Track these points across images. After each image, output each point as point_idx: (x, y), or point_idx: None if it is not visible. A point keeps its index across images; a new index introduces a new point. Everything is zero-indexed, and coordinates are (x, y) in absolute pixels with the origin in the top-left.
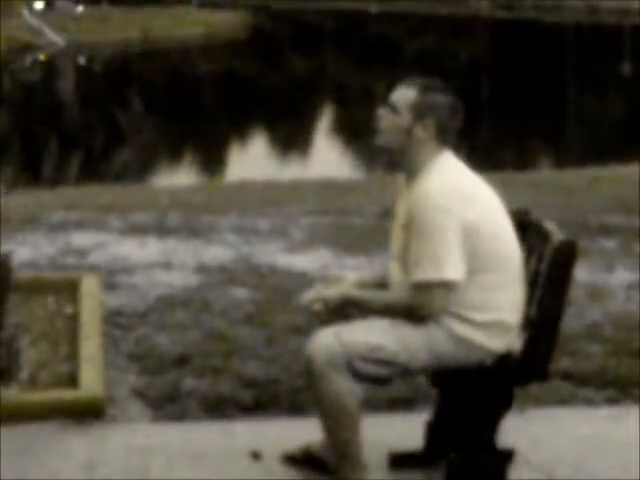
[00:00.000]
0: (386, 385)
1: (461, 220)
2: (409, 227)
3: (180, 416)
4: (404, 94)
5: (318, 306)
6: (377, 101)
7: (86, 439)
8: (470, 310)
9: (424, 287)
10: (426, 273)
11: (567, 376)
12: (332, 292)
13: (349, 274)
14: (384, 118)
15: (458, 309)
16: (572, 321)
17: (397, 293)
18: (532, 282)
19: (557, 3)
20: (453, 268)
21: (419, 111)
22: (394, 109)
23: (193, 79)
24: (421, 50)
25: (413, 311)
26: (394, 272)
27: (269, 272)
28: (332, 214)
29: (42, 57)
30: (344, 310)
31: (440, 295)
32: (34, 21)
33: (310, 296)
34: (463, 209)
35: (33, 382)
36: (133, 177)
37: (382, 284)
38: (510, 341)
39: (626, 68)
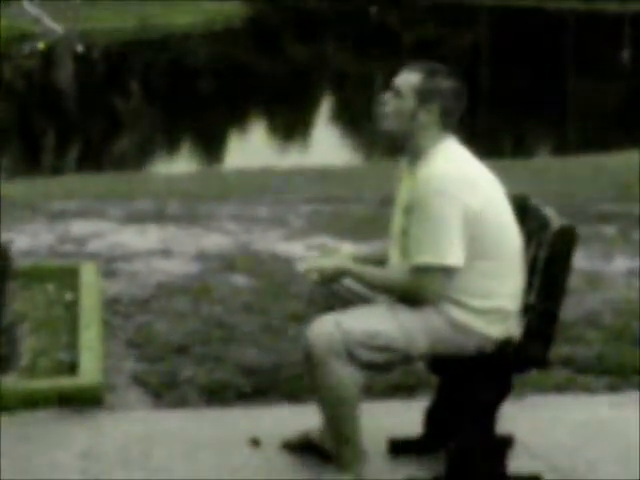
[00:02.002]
0: (386, 372)
1: (463, 206)
2: (410, 211)
3: (179, 403)
4: (408, 78)
5: (314, 275)
6: (376, 88)
7: (85, 427)
8: (470, 296)
9: (423, 271)
10: (426, 257)
11: (566, 363)
12: (329, 262)
13: (346, 247)
14: (388, 102)
15: (457, 295)
16: (571, 308)
17: (395, 273)
18: (531, 268)
19: None
20: (453, 254)
21: (423, 95)
22: (398, 93)
23: (191, 67)
24: (420, 37)
25: (409, 294)
26: (393, 256)
27: (268, 260)
28: (331, 202)
29: (40, 45)
30: (338, 280)
31: (438, 280)
32: (33, 9)
33: (307, 265)
34: (465, 195)
35: (32, 370)
36: (132, 165)
37: (378, 261)
38: (509, 328)
39: (626, 55)
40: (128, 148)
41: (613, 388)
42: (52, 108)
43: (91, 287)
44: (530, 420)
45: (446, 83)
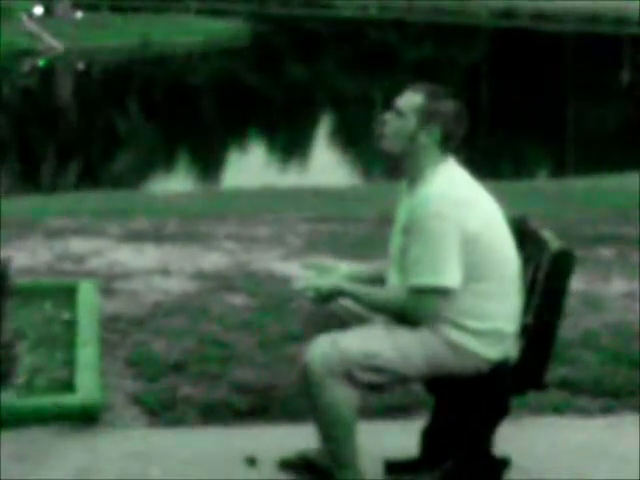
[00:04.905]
0: (383, 392)
1: (461, 228)
2: (408, 232)
3: (176, 422)
4: (410, 99)
5: (310, 294)
6: (375, 109)
7: (82, 445)
8: (467, 318)
9: (420, 292)
10: (423, 278)
11: (563, 385)
12: (325, 282)
13: (343, 265)
14: (389, 122)
15: (455, 316)
16: (568, 330)
17: (391, 293)
18: (529, 290)
19: (556, 12)
20: (450, 275)
21: (425, 117)
22: (400, 113)
23: (191, 86)
24: (419, 58)
25: (406, 314)
26: (392, 276)
27: (266, 279)
28: (329, 221)
29: (41, 62)
30: (335, 300)
31: (435, 301)
32: (33, 26)
33: (303, 283)
34: (463, 217)
35: (30, 387)
36: (131, 183)
37: (376, 281)
38: (506, 349)
39: (624, 77)
40: (127, 166)
41: (610, 410)
42: (51, 125)
43: (89, 305)
44: (526, 442)
45: (448, 106)
